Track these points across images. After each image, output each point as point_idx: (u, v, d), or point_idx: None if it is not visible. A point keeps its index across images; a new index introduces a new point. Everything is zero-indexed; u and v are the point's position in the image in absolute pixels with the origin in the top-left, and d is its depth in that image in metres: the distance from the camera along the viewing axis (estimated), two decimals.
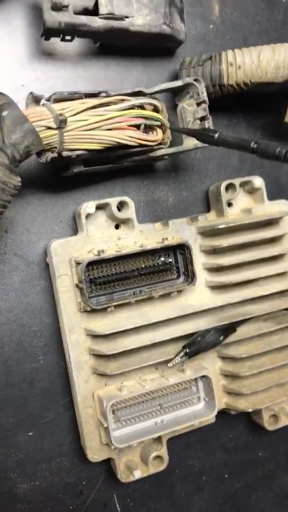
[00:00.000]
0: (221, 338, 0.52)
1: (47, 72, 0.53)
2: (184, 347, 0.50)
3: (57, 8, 0.47)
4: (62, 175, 0.51)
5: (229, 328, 0.53)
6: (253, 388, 0.54)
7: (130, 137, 0.47)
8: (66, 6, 0.47)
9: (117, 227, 0.54)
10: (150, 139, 0.49)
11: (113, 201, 0.52)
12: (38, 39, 0.53)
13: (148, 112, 0.48)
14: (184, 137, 0.53)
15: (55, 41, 0.52)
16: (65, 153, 0.45)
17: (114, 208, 0.52)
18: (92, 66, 0.55)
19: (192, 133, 0.49)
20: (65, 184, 0.54)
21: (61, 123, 0.42)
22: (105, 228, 0.53)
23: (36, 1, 0.52)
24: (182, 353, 0.50)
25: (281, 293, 0.57)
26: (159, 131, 0.50)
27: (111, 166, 0.51)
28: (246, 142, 0.43)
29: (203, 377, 0.54)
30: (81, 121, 0.44)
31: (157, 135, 0.49)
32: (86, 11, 0.51)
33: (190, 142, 0.52)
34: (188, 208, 0.59)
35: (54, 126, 0.43)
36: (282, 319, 0.57)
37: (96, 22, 0.49)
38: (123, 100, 0.47)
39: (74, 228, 0.54)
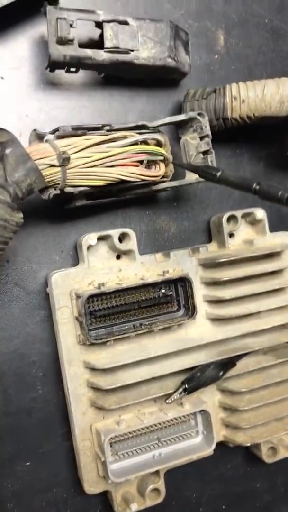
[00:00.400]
0: (221, 373, 0.52)
1: (51, 102, 0.54)
2: (183, 383, 0.50)
3: (62, 42, 0.47)
4: (64, 207, 0.51)
5: (229, 363, 0.53)
6: (252, 422, 0.54)
7: (133, 173, 0.47)
8: (72, 40, 0.47)
9: (118, 257, 0.54)
10: (153, 174, 0.49)
11: (115, 233, 0.52)
12: (43, 69, 0.53)
13: (151, 147, 0.49)
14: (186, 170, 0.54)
15: (60, 72, 0.52)
16: (67, 190, 0.45)
17: (115, 240, 0.52)
18: (97, 97, 0.55)
19: (194, 169, 0.49)
20: (67, 214, 0.54)
21: (64, 161, 0.42)
22: (106, 259, 0.53)
23: (41, 33, 0.52)
24: (181, 389, 0.50)
25: (282, 326, 0.57)
26: (162, 165, 0.50)
27: (113, 199, 0.51)
28: (248, 183, 0.43)
29: (202, 410, 0.53)
30: (84, 158, 0.44)
31: (159, 170, 0.49)
32: (91, 43, 0.51)
33: (192, 176, 0.52)
34: (190, 238, 0.59)
35: (57, 163, 0.43)
36: (283, 352, 0.57)
37: (101, 56, 0.49)
38: (126, 136, 0.47)
39: (75, 258, 0.54)
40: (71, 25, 0.48)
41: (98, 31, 0.52)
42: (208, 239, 0.60)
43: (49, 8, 0.47)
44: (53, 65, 0.50)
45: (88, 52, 0.49)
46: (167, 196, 0.59)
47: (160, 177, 0.50)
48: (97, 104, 0.55)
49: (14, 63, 0.52)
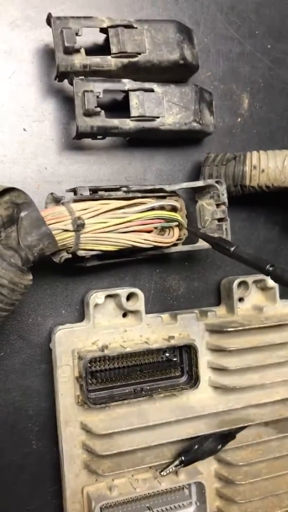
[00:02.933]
0: (219, 446, 0.50)
1: (71, 156, 0.54)
2: (179, 455, 0.49)
3: (89, 114, 0.47)
4: (75, 265, 0.50)
5: (228, 435, 0.52)
6: (247, 497, 0.53)
7: (146, 239, 0.46)
8: (98, 113, 0.47)
9: (124, 315, 0.53)
10: (166, 241, 0.48)
11: (123, 293, 0.52)
12: (65, 123, 0.53)
13: (167, 213, 0.48)
14: None
15: None
16: (80, 253, 0.45)
17: (123, 299, 0.52)
18: (117, 154, 0.55)
19: (208, 240, 0.48)
20: (77, 269, 0.53)
21: (79, 227, 0.42)
22: (112, 316, 0.53)
23: (67, 88, 0.53)
24: (177, 461, 0.48)
25: (286, 399, 0.56)
26: (176, 230, 0.50)
27: (124, 260, 0.51)
28: (261, 263, 0.42)
29: (197, 482, 0.52)
30: (100, 223, 0.44)
31: (172, 236, 0.49)
32: (115, 105, 0.52)
33: (205, 242, 0.52)
34: (199, 299, 0.59)
35: (71, 228, 0.43)
36: (284, 425, 0.55)
37: (127, 124, 0.50)
38: (143, 202, 0.47)
39: (81, 312, 0.54)
40: (97, 96, 0.48)
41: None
42: (217, 300, 0.59)
43: (76, 80, 0.47)
44: (81, 135, 0.50)
45: (115, 122, 0.49)
46: (179, 255, 0.58)
47: (173, 243, 0.50)
48: (116, 161, 0.55)
49: (37, 115, 0.53)
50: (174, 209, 0.50)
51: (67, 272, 0.54)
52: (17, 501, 0.52)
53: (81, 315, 0.54)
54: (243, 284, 0.57)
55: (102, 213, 0.44)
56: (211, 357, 0.54)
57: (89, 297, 0.51)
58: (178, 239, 0.51)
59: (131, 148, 0.56)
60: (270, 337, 0.55)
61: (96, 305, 0.51)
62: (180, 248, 0.52)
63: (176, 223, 0.49)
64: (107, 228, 0.44)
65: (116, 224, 0.45)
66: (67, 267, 0.53)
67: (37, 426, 0.52)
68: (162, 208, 0.49)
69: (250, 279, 0.57)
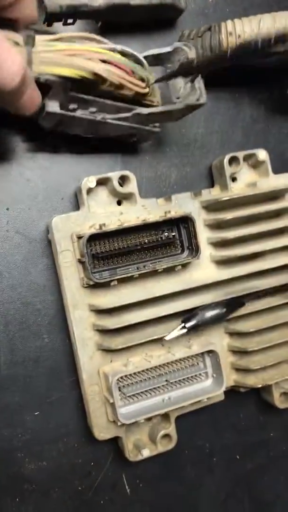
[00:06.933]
0: (224, 310, 0.51)
1: None
2: (183, 321, 0.49)
3: None
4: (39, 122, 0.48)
5: (236, 302, 0.52)
6: (262, 364, 0.53)
7: (109, 70, 0.44)
8: None
9: (119, 203, 0.53)
10: (136, 82, 0.46)
11: (114, 175, 0.51)
12: None
13: (133, 64, 0.47)
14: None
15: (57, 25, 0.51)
16: (33, 74, 0.42)
17: (115, 183, 0.51)
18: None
19: (174, 73, 0.48)
20: (67, 161, 0.53)
21: (29, 39, 0.41)
22: (107, 204, 0.53)
23: None
24: (180, 326, 0.49)
25: None
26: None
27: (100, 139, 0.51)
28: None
29: (210, 352, 0.53)
30: (54, 45, 0.42)
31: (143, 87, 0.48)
32: None
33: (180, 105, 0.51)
34: (192, 184, 0.58)
35: (21, 43, 0.41)
36: None
37: (96, 1, 0.49)
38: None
39: (76, 205, 0.54)
40: None
41: None
42: (211, 184, 0.59)
43: None
44: (50, 17, 0.49)
45: None
46: (167, 141, 0.58)
47: (143, 92, 0.48)
48: None
49: None
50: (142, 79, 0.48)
51: (57, 166, 0.53)
52: (36, 395, 0.53)
53: (75, 208, 0.54)
54: (234, 160, 0.56)
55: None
56: (210, 233, 0.55)
57: (81, 183, 0.51)
58: (151, 100, 0.50)
59: (104, 36, 0.55)
60: (266, 206, 0.55)
61: (88, 190, 0.51)
62: (156, 109, 0.50)
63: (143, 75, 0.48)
64: (65, 51, 0.42)
65: (79, 49, 0.42)
66: (56, 158, 0.53)
67: (47, 319, 0.53)
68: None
69: (240, 154, 0.56)
